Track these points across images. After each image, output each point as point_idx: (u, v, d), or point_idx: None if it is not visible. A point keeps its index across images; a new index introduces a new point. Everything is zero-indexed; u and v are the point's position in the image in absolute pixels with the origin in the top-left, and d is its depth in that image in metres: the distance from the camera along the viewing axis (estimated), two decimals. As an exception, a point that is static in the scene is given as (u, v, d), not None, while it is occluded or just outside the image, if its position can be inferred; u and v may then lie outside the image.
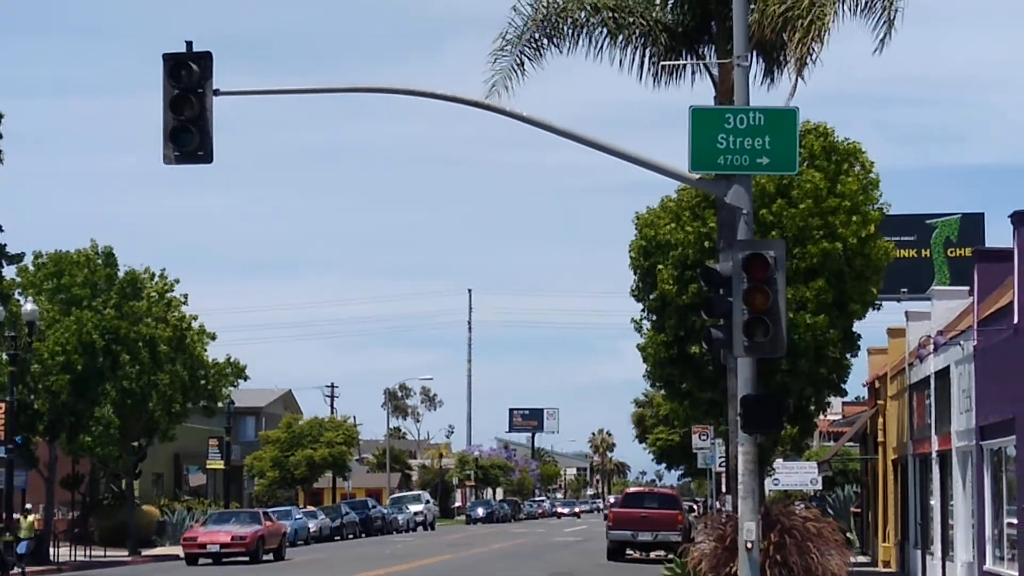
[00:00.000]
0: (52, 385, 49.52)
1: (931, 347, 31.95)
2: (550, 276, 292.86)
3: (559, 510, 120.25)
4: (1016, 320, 23.43)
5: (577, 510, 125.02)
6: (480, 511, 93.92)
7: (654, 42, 27.01)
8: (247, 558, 40.28)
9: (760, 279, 18.63)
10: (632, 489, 74.85)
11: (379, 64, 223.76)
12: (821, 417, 46.29)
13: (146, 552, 56.12)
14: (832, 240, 32.46)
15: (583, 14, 26.64)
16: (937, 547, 33.32)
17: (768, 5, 25.23)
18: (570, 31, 26.79)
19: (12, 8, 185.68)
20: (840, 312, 33.59)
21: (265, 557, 41.33)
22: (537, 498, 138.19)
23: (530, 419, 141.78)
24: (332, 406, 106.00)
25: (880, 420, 44.27)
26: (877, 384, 44.87)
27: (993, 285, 27.96)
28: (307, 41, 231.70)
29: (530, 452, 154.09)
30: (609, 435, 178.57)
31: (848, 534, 39.20)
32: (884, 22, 25.39)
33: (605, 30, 26.69)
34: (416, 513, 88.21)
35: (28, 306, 47.20)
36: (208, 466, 77.18)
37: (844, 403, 53.33)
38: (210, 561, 40.82)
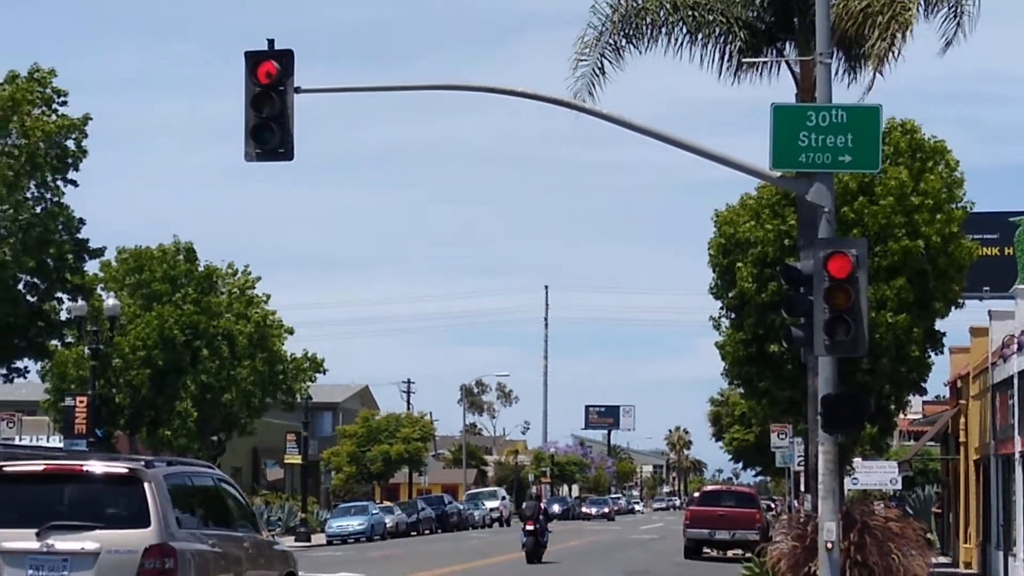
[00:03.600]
0: (133, 379, 50.36)
1: (1015, 346, 31.68)
2: (626, 273, 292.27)
3: (584, 510, 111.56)
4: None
5: (607, 510, 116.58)
6: (556, 508, 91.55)
7: (734, 39, 26.90)
8: None
9: (841, 278, 18.61)
10: (709, 487, 74.40)
11: (455, 61, 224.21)
12: (901, 416, 46.43)
13: None
14: (915, 238, 32.36)
15: (663, 12, 26.54)
16: (1020, 549, 32.65)
17: (850, 1, 25.20)
18: (649, 30, 26.70)
19: (93, 4, 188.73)
20: (922, 311, 33.50)
21: None
22: (613, 495, 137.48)
23: (606, 416, 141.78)
24: (408, 402, 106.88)
25: (962, 420, 43.90)
26: (959, 383, 44.54)
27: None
28: (383, 36, 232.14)
29: (606, 449, 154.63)
30: (686, 433, 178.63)
31: (929, 535, 38.92)
32: (954, 23, 25.41)
33: (685, 28, 26.59)
34: (492, 509, 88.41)
35: (110, 301, 47.33)
36: (285, 461, 77.14)
37: (925, 402, 53.21)
38: None
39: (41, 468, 18.70)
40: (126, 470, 17.72)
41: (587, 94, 26.08)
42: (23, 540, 16.85)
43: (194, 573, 16.95)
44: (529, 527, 46.61)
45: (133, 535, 16.38)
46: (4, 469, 18.46)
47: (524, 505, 64.36)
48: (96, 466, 19.05)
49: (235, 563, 18.67)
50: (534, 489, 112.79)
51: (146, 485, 17.02)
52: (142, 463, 18.65)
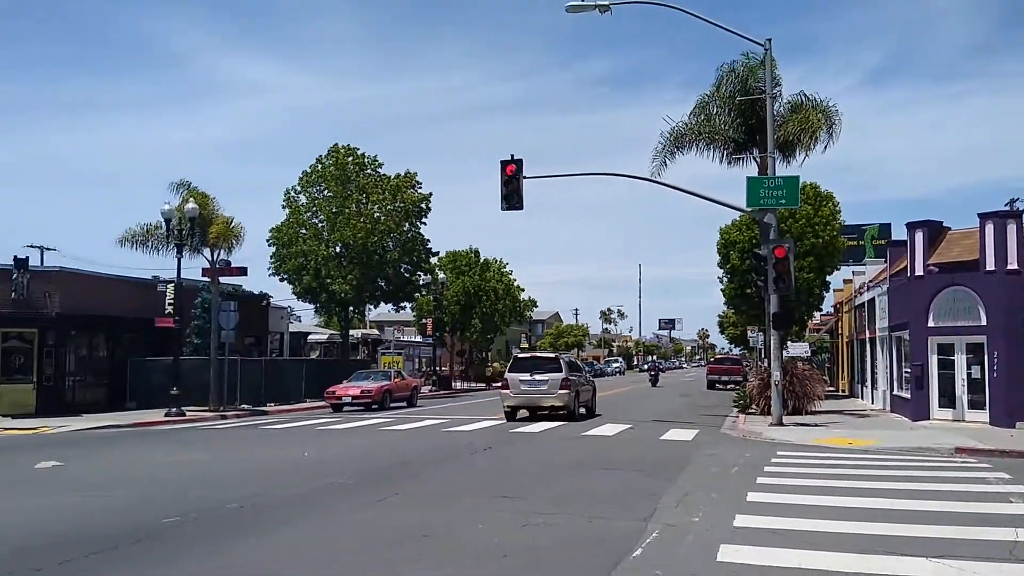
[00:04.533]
0: (451, 310, 54.29)
1: (865, 288, 34.40)
2: (682, 261, 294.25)
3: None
4: (908, 275, 24.73)
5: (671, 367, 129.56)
6: (647, 366, 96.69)
7: (728, 146, 27.88)
8: (376, 406, 31.72)
9: (781, 257, 21.64)
10: (718, 357, 76.12)
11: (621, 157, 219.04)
12: (810, 321, 47.38)
13: (495, 385, 58.25)
14: (816, 238, 34.09)
15: (693, 135, 27.61)
16: (869, 383, 34.25)
17: (786, 127, 26.45)
18: (687, 142, 27.74)
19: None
20: (819, 273, 35.04)
21: (396, 405, 33.47)
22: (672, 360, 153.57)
23: (669, 324, 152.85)
24: (576, 318, 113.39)
25: (839, 323, 45.62)
26: (839, 306, 45.95)
27: (895, 258, 28.88)
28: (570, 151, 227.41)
29: (668, 339, 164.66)
30: (707, 331, 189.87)
31: (824, 377, 39.29)
32: (831, 138, 26.80)
33: (704, 142, 27.79)
34: (616, 368, 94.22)
35: (441, 275, 52.65)
36: (521, 346, 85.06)
37: (821, 315, 52.73)
38: (360, 407, 31.98)
39: (528, 355, 27.53)
40: (555, 355, 26.99)
41: (658, 174, 27.33)
42: (525, 375, 25.10)
43: (573, 387, 25.18)
44: (652, 372, 59.64)
45: (559, 375, 24.61)
46: (518, 355, 27.90)
47: (648, 364, 77.12)
48: (548, 354, 30.13)
49: (584, 383, 26.94)
50: (652, 357, 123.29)
51: (561, 359, 25.59)
52: (559, 353, 28.58)
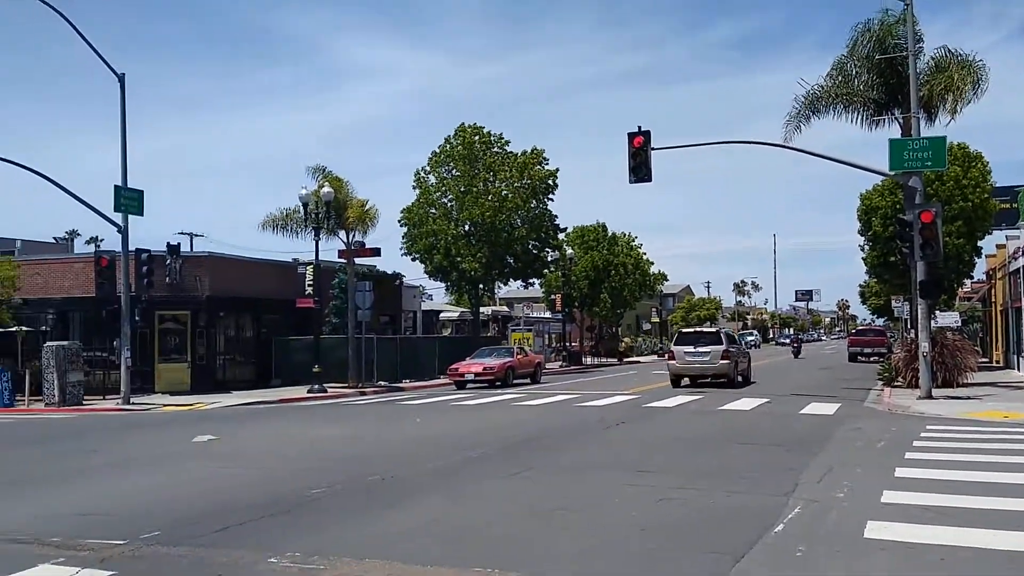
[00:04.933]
0: (580, 285, 54.59)
1: (1019, 254, 33.71)
2: (825, 230, 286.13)
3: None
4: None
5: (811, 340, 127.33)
6: (785, 339, 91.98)
7: (868, 107, 26.84)
8: (499, 383, 31.29)
9: (928, 222, 21.00)
10: (860, 328, 74.89)
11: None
12: (960, 289, 46.14)
13: (626, 361, 59.40)
14: (965, 201, 32.89)
15: (830, 98, 26.64)
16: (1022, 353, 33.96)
17: (930, 85, 25.24)
18: (823, 106, 26.76)
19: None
20: (970, 238, 33.93)
21: (519, 382, 33.09)
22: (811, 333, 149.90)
23: (806, 295, 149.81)
24: (708, 291, 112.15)
25: (993, 290, 44.23)
26: (991, 272, 44.51)
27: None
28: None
29: (805, 311, 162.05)
30: (846, 301, 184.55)
31: (976, 348, 38.39)
32: (971, 98, 25.10)
33: (841, 104, 26.76)
34: (750, 341, 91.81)
35: (569, 251, 52.71)
36: (651, 320, 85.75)
37: (972, 282, 51.11)
38: (483, 384, 31.79)
39: (692, 330, 30.45)
40: (716, 329, 29.66)
41: (791, 139, 26.50)
42: (689, 347, 27.57)
43: (732, 357, 27.82)
44: (794, 345, 61.26)
45: (719, 347, 26.99)
46: (683, 330, 30.11)
47: (789, 337, 78.59)
48: (709, 328, 35.23)
49: (740, 354, 29.54)
50: (789, 330, 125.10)
51: (721, 333, 28.29)
52: (717, 327, 30.89)
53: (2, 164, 25.54)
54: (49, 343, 27.99)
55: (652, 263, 62.40)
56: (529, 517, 7.94)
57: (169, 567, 6.35)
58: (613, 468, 10.95)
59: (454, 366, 33.23)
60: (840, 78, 27.10)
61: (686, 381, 28.67)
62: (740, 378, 29.18)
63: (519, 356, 34.95)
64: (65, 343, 28.02)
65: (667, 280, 72.30)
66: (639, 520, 7.72)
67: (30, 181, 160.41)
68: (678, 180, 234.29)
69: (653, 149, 22.72)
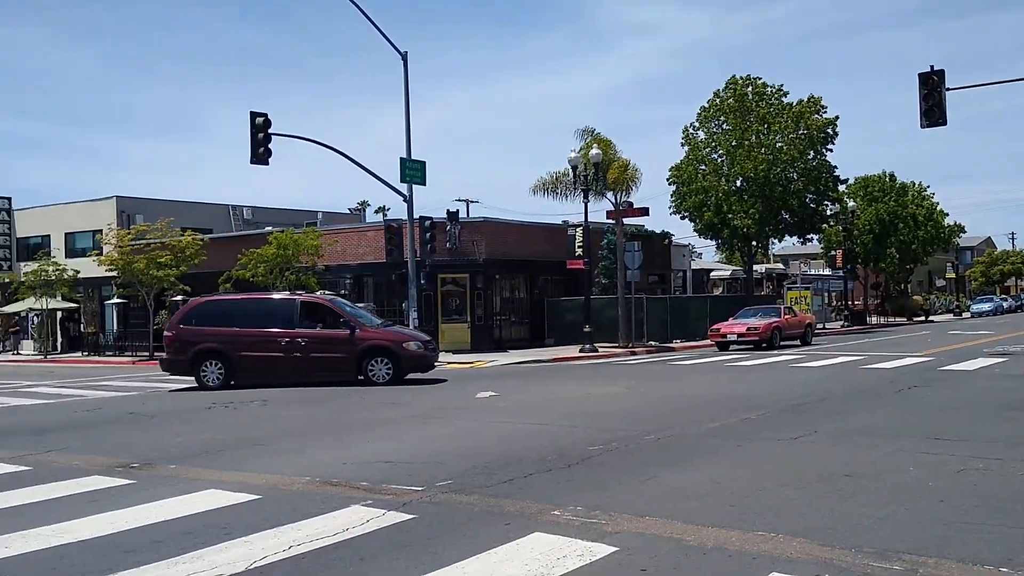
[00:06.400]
0: (863, 240, 53.70)
1: None
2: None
3: None
4: None
5: None
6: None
7: None
8: (764, 344, 30.09)
9: None
10: None
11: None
12: None
13: (916, 320, 57.96)
14: None
15: None
16: None
17: None
18: None
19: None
20: None
21: (786, 344, 31.68)
22: None
23: None
24: (1013, 243, 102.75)
25: None
26: None
27: None
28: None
29: None
30: None
31: None
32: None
33: None
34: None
35: (851, 203, 52.01)
36: (946, 276, 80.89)
37: None
38: (747, 345, 31.01)
39: None
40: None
41: None
42: None
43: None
44: None
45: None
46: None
47: None
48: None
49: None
50: None
51: None
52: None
53: (300, 143, 28.18)
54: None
55: (946, 214, 59.40)
56: (815, 482, 7.72)
57: (463, 513, 6.82)
58: (905, 435, 10.34)
59: (715, 326, 32.60)
60: None
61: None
62: None
63: (787, 316, 33.70)
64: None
65: (964, 232, 67.34)
66: (938, 490, 7.27)
67: (323, 157, 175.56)
68: (982, 120, 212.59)
69: (948, 89, 21.87)
